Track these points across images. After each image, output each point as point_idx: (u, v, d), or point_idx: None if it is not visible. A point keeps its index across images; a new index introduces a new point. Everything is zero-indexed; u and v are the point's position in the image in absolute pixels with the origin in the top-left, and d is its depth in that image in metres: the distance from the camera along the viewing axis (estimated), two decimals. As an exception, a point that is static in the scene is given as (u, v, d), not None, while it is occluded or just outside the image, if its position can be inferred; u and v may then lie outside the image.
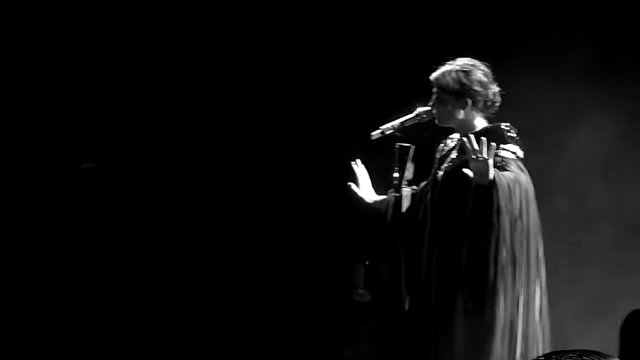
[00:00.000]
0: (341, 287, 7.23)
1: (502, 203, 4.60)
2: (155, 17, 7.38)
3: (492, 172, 4.56)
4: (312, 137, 7.18)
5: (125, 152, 7.50)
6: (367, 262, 7.08)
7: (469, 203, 4.66)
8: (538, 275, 4.76)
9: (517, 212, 4.66)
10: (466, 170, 4.58)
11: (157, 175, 7.49)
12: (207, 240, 7.43)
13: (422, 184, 5.00)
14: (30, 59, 7.34)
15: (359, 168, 5.11)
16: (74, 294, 7.30)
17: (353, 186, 5.09)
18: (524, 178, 4.71)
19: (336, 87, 7.15)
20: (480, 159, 4.52)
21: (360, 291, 7.11)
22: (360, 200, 5.09)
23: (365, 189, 5.09)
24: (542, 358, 3.82)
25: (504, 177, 4.62)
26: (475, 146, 4.52)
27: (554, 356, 4.21)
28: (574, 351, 4.25)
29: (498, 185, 4.59)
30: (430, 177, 4.93)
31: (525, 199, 4.68)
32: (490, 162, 4.54)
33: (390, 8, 7.05)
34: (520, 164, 4.78)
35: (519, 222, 4.67)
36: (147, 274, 7.38)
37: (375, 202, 5.08)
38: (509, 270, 4.65)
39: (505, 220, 4.62)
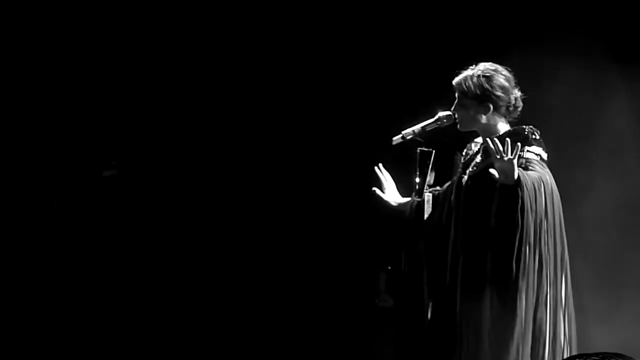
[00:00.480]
0: (364, 292, 7.24)
1: (527, 202, 4.63)
2: (168, 26, 7.41)
3: (517, 172, 4.59)
4: (335, 142, 7.18)
5: (145, 159, 7.52)
6: (389, 267, 7.09)
7: (493, 204, 4.69)
8: (564, 275, 4.77)
9: (542, 212, 4.69)
10: (492, 171, 4.61)
11: (178, 182, 7.52)
12: (229, 245, 7.45)
13: (445, 185, 5.02)
14: (51, 67, 7.38)
15: (382, 172, 5.14)
16: (90, 300, 7.33)
17: (377, 191, 5.12)
18: (548, 178, 4.73)
19: (359, 92, 7.15)
20: (504, 159, 4.54)
21: (383, 296, 7.11)
22: (385, 204, 5.12)
23: (390, 193, 5.13)
24: (567, 360, 3.82)
25: (529, 177, 4.66)
26: (500, 147, 4.54)
27: (577, 359, 4.22)
28: (597, 354, 4.25)
29: (523, 185, 4.62)
30: (455, 180, 4.95)
31: (550, 198, 4.71)
32: (515, 161, 4.57)
33: (413, 13, 7.06)
34: (544, 165, 4.79)
35: (544, 222, 4.70)
36: (164, 278, 7.40)
37: (400, 205, 5.12)
38: (533, 269, 4.67)
39: (529, 219, 4.65)
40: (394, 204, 5.12)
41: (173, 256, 7.43)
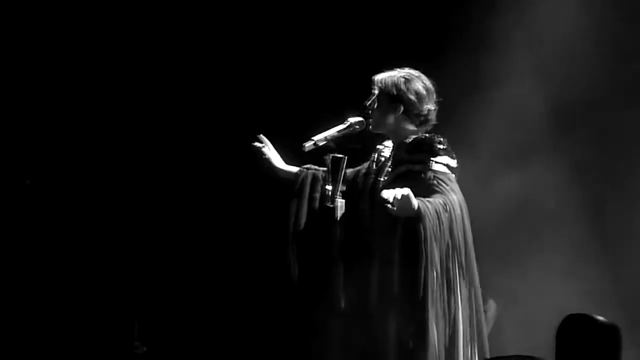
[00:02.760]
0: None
1: (430, 232, 4.65)
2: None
3: (415, 204, 4.59)
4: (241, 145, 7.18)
5: (67, 168, 7.46)
6: None
7: (397, 233, 4.71)
8: (474, 289, 4.79)
9: (447, 236, 4.71)
10: (389, 207, 4.57)
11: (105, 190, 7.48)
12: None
13: (358, 169, 5.05)
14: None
15: (264, 140, 5.17)
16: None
17: (265, 149, 5.15)
18: (454, 198, 4.75)
19: (271, 96, 7.17)
20: (394, 208, 4.55)
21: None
22: (271, 165, 5.17)
23: (274, 156, 5.17)
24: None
25: (431, 205, 4.67)
26: (389, 197, 4.54)
27: (492, 362, 4.26)
28: (509, 357, 4.30)
29: (424, 216, 4.63)
30: (368, 184, 4.97)
31: (456, 221, 4.73)
32: (411, 196, 4.57)
33: (322, 18, 7.10)
34: (452, 177, 4.82)
35: (450, 246, 4.72)
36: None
37: (285, 172, 5.17)
38: (441, 295, 4.69)
39: (434, 247, 4.67)
40: (279, 166, 5.17)
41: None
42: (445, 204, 4.70)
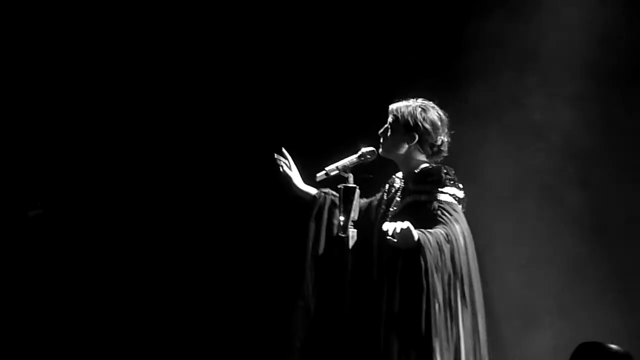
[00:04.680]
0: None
1: (431, 264, 4.65)
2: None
3: (416, 236, 4.62)
4: (256, 177, 7.20)
5: (73, 198, 7.46)
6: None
7: (399, 264, 4.72)
8: (480, 320, 4.79)
9: (449, 268, 4.71)
10: (390, 239, 4.60)
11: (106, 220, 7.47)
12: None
13: (371, 200, 5.08)
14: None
15: (286, 154, 5.19)
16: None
17: (285, 168, 5.16)
18: (457, 228, 4.75)
19: (284, 127, 7.19)
20: (394, 240, 4.58)
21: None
22: (292, 183, 5.18)
23: (295, 174, 5.19)
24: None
25: (433, 236, 4.67)
26: (389, 229, 4.57)
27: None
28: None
29: (425, 248, 4.64)
30: (379, 215, 4.98)
31: (459, 252, 4.73)
32: (411, 228, 4.59)
33: (336, 50, 7.14)
34: (458, 208, 4.83)
35: (452, 277, 4.72)
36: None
37: (302, 191, 5.18)
38: (445, 327, 4.68)
39: (435, 279, 4.67)
40: (298, 184, 5.18)
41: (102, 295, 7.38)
42: (447, 235, 4.70)
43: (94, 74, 7.39)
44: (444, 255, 4.68)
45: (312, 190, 5.20)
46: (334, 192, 5.06)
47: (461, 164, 5.20)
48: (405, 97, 5.00)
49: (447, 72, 6.77)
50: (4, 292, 7.26)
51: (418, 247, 4.63)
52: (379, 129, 4.99)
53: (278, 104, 7.21)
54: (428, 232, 4.67)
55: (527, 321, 6.66)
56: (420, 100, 4.98)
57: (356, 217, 4.89)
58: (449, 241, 4.70)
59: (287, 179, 5.20)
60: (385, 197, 5.07)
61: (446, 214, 4.76)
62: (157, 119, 7.41)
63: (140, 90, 7.41)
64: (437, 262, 4.66)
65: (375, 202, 5.11)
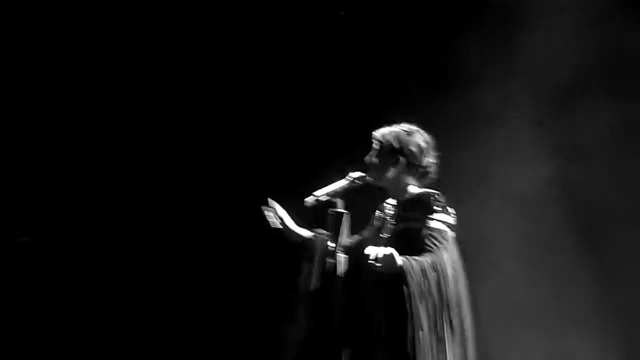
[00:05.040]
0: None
1: (414, 290, 4.62)
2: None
3: (399, 262, 4.60)
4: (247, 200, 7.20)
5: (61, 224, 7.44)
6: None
7: (384, 290, 4.71)
8: (467, 347, 4.76)
9: (434, 295, 4.67)
10: (371, 262, 4.57)
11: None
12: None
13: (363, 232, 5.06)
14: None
15: (274, 203, 5.13)
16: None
17: (274, 216, 5.10)
18: (446, 257, 4.71)
19: (272, 150, 7.19)
20: (377, 266, 4.55)
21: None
22: (291, 234, 5.13)
23: (285, 219, 5.13)
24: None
25: (417, 263, 4.64)
26: (372, 254, 4.55)
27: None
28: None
29: (407, 273, 4.61)
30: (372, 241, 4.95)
31: (445, 280, 4.68)
32: (395, 254, 4.57)
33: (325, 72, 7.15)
34: (449, 235, 4.79)
35: (438, 304, 4.67)
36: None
37: (297, 235, 5.14)
38: (432, 354, 4.64)
39: (418, 305, 4.64)
40: (292, 228, 5.13)
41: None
42: (433, 263, 4.67)
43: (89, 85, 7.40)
44: (428, 281, 4.65)
45: (306, 233, 5.15)
46: (327, 232, 5.00)
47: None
48: (389, 123, 5.00)
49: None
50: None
51: (401, 272, 4.61)
52: (366, 155, 4.97)
53: (269, 123, 7.23)
54: (413, 258, 4.65)
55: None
56: (403, 125, 4.98)
57: (347, 242, 4.87)
58: (434, 269, 4.67)
59: (279, 230, 5.15)
60: (375, 224, 5.04)
61: (435, 241, 4.73)
62: (146, 129, 7.43)
63: (134, 97, 7.43)
64: (421, 289, 4.63)
65: (367, 231, 5.09)
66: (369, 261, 4.56)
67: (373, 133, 4.98)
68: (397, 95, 6.89)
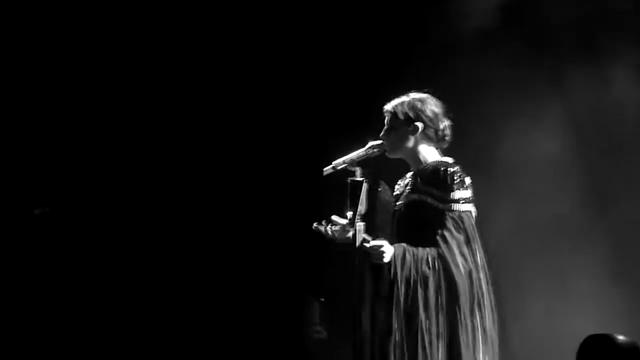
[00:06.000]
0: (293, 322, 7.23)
1: (400, 277, 4.67)
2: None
3: (388, 257, 4.67)
4: (265, 171, 7.23)
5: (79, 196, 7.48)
6: (322, 299, 7.06)
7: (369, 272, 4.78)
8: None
9: (431, 290, 4.68)
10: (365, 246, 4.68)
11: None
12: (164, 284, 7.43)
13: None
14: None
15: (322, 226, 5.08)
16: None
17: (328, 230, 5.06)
18: (455, 251, 4.70)
19: (289, 122, 7.22)
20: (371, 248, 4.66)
21: (318, 328, 7.06)
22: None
23: (339, 233, 5.04)
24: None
25: (416, 255, 4.70)
26: (360, 238, 4.65)
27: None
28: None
29: (393, 266, 4.69)
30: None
31: (443, 278, 4.69)
32: (386, 246, 4.67)
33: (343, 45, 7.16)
34: (470, 222, 4.79)
35: (435, 301, 4.69)
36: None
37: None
38: (437, 343, 4.66)
39: (401, 292, 4.68)
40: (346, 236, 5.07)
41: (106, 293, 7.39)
42: (434, 259, 4.70)
43: (97, 73, 7.43)
44: (419, 276, 4.67)
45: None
46: None
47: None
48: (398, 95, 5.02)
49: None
50: (9, 289, 7.29)
51: (388, 264, 4.68)
52: (382, 130, 4.99)
53: (284, 98, 7.26)
54: (415, 251, 4.71)
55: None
56: (412, 93, 5.01)
57: (363, 211, 4.89)
58: (431, 267, 4.69)
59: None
60: (396, 194, 5.07)
61: (447, 234, 4.74)
62: (161, 118, 7.46)
63: (142, 91, 7.45)
64: (415, 280, 4.67)
65: (382, 199, 5.11)
66: (363, 244, 4.67)
67: (385, 107, 5.00)
68: (404, 65, 6.91)
